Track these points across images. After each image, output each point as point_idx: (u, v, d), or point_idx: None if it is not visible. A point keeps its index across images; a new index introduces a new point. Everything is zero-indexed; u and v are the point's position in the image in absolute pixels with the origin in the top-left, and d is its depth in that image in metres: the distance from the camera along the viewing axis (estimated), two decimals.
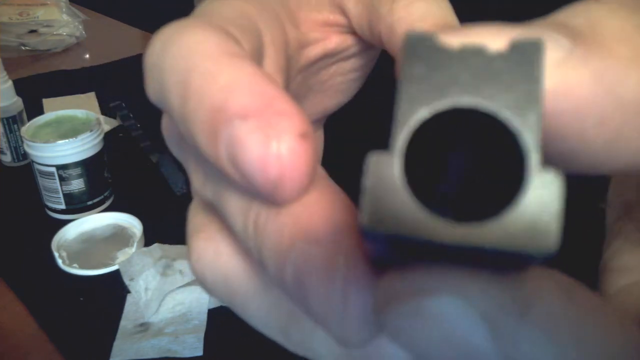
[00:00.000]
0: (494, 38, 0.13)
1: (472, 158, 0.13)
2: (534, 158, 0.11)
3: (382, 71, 0.25)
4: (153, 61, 0.17)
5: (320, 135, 0.32)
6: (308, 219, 0.15)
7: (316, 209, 0.15)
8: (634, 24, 0.13)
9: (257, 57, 0.20)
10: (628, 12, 0.13)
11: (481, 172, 0.13)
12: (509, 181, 0.12)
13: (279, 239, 0.15)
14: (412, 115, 0.12)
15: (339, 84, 0.29)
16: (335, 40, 0.27)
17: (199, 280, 0.19)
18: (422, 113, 0.12)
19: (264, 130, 0.14)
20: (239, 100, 0.15)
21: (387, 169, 0.12)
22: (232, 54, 0.16)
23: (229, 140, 0.15)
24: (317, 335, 0.17)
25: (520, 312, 0.12)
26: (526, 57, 0.12)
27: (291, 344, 0.18)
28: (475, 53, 0.12)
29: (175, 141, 0.20)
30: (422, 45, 0.12)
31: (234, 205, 0.17)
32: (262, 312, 0.18)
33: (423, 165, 0.13)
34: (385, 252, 0.13)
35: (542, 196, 0.11)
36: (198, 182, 0.19)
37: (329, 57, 0.27)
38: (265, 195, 0.15)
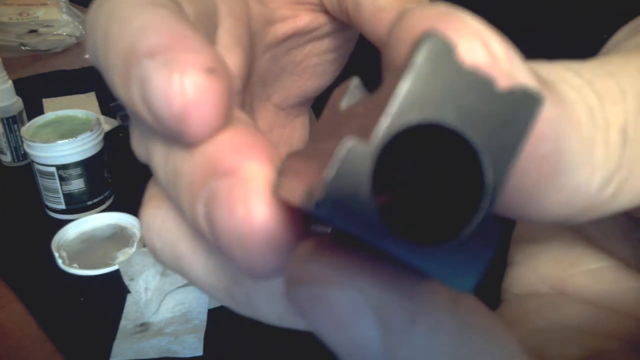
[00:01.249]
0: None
1: (442, 178, 0.13)
2: (485, 204, 0.12)
3: (371, 54, 0.25)
4: (88, 23, 0.17)
5: (305, 120, 0.31)
6: (218, 155, 0.15)
7: (227, 146, 0.15)
8: (575, 94, 0.14)
9: (204, 24, 0.19)
10: (570, 82, 0.14)
11: (444, 195, 0.13)
12: (463, 212, 0.12)
13: (191, 179, 0.15)
14: (401, 116, 0.12)
15: (315, 66, 0.28)
16: (306, 19, 0.26)
17: (150, 249, 0.19)
18: (412, 118, 0.12)
19: (169, 65, 0.14)
20: (148, 40, 0.15)
21: (360, 159, 0.12)
22: (151, 3, 0.16)
23: (139, 79, 0.15)
24: (259, 295, 0.17)
25: (410, 318, 0.13)
26: (525, 108, 0.12)
27: (237, 306, 0.18)
28: (483, 83, 0.12)
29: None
30: (440, 50, 0.12)
31: (157, 156, 0.17)
32: (206, 274, 0.18)
33: (393, 167, 0.13)
34: (324, 222, 0.13)
35: (479, 242, 0.12)
36: (134, 143, 0.19)
37: (301, 36, 0.27)
38: (175, 134, 0.15)
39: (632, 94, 0.14)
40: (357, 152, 0.11)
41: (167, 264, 0.19)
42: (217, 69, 0.15)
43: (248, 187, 0.14)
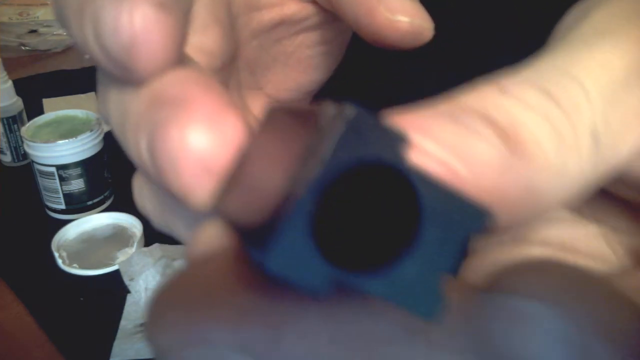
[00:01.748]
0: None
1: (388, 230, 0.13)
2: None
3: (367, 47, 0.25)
4: None
5: None
6: (162, 89, 0.15)
7: (173, 81, 0.15)
8: (540, 123, 0.14)
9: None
10: (535, 107, 0.14)
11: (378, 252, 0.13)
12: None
13: (137, 116, 0.15)
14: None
15: (309, 58, 0.28)
16: (293, 7, 0.26)
17: (143, 213, 0.20)
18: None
19: None
20: None
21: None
22: None
23: (92, 16, 0.15)
24: None
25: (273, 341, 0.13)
26: (473, 217, 0.12)
27: None
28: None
29: None
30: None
31: (112, 105, 0.17)
32: (187, 231, 0.18)
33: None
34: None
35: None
36: (99, 104, 0.19)
37: (289, 25, 0.27)
38: (124, 70, 0.15)
39: (596, 90, 0.15)
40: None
41: (159, 224, 0.20)
42: (167, 5, 0.15)
43: (185, 112, 0.14)
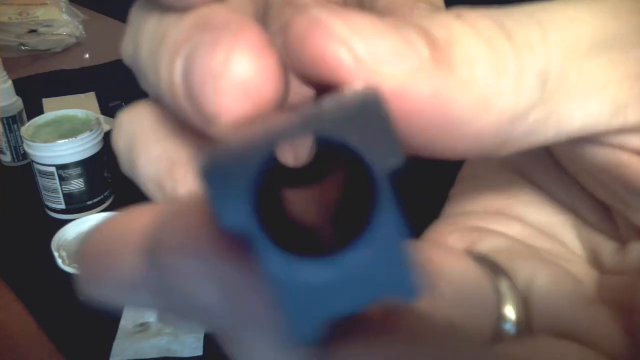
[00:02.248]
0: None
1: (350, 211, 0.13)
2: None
3: None
4: None
5: None
6: (209, 14, 0.15)
7: (221, 10, 0.15)
8: (482, 47, 0.14)
9: None
10: (483, 33, 0.14)
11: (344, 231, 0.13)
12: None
13: (177, 37, 0.15)
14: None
15: None
16: None
17: (116, 151, 0.20)
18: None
19: None
20: None
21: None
22: None
23: None
24: (184, 187, 0.18)
25: (247, 286, 0.13)
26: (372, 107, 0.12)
27: (163, 198, 0.19)
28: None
29: None
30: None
31: (148, 30, 0.17)
32: (147, 164, 0.19)
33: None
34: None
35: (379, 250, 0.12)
36: (125, 42, 0.19)
37: None
38: None
39: (558, 37, 0.14)
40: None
41: (125, 162, 0.20)
42: None
43: (233, 38, 0.14)
